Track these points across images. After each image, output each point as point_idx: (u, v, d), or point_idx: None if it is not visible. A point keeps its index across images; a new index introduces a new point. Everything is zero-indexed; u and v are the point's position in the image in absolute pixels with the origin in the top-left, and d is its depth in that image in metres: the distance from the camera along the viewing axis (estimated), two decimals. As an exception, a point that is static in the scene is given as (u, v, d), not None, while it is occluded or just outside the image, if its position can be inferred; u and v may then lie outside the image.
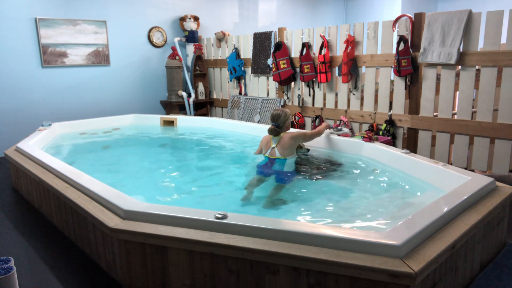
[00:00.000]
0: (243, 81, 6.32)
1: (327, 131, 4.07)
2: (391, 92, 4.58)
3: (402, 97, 4.45)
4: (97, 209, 2.46)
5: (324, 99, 5.25)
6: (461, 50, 3.92)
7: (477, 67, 3.96)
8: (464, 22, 3.84)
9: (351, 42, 4.67)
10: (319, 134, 3.79)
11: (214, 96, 7.06)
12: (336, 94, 5.11)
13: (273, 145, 3.48)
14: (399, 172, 3.28)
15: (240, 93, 6.40)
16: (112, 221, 2.27)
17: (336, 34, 4.98)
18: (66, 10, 5.70)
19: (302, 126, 5.42)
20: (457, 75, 4.14)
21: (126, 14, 6.30)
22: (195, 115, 6.74)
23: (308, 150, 3.81)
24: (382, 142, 3.91)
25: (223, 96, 6.85)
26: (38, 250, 2.78)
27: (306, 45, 5.17)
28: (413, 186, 3.05)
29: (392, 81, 4.60)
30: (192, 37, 6.79)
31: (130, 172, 3.76)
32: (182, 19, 6.81)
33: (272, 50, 5.61)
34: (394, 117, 4.50)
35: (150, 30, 6.59)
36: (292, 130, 3.74)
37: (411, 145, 4.43)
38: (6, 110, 5.38)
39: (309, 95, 5.36)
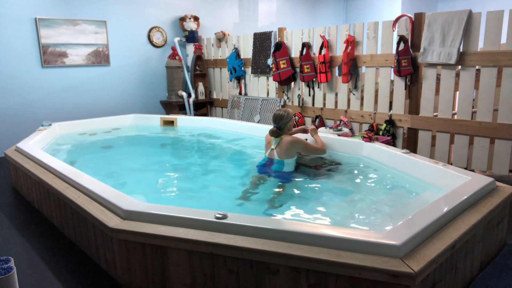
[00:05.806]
0: (243, 81, 6.32)
1: (324, 129, 4.04)
2: (391, 92, 4.58)
3: (402, 97, 4.44)
4: (97, 209, 2.46)
5: (324, 99, 5.25)
6: (461, 50, 3.92)
7: (477, 67, 3.96)
8: (464, 22, 3.84)
9: (351, 42, 4.67)
10: (320, 151, 3.61)
11: (214, 96, 7.06)
12: (336, 94, 5.11)
13: (272, 147, 3.48)
14: (399, 172, 3.28)
15: (240, 93, 6.40)
16: (112, 221, 2.27)
17: (336, 34, 4.98)
18: (66, 10, 5.70)
19: (302, 126, 5.41)
20: (457, 75, 4.14)
21: (126, 14, 6.30)
22: (195, 115, 6.74)
23: None
24: (382, 142, 3.91)
25: (223, 96, 6.85)
26: (38, 250, 2.78)
27: (306, 45, 5.17)
28: (413, 186, 3.05)
29: (392, 81, 4.60)
30: (192, 37, 6.79)
31: (130, 172, 3.76)
32: (182, 19, 6.80)
33: (272, 50, 5.60)
34: (394, 117, 4.50)
35: (150, 30, 6.59)
36: (295, 135, 3.57)
37: (411, 145, 4.43)
38: (6, 110, 5.38)
39: (309, 95, 5.36)
